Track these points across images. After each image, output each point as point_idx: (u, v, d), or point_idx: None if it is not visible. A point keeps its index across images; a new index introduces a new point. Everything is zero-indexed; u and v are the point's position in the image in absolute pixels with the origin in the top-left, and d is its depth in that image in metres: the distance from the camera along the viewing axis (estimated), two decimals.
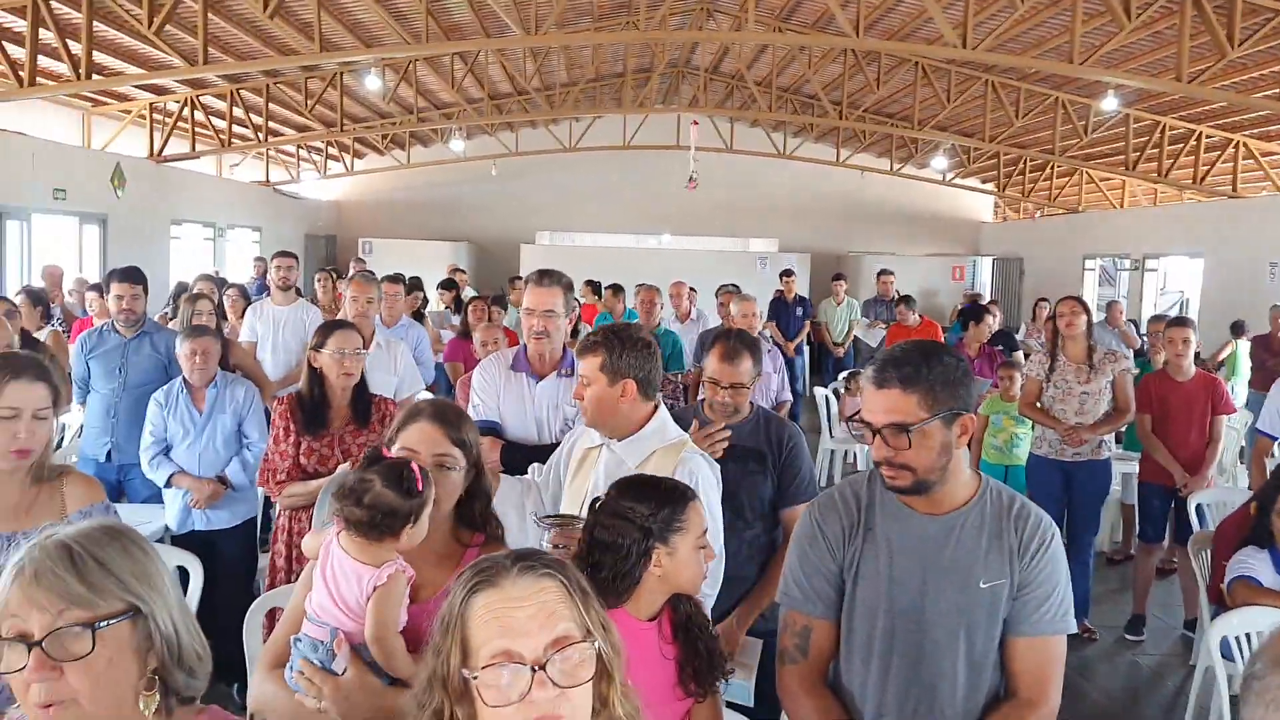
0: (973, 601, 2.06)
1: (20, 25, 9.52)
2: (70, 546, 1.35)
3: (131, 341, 5.12)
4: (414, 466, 2.00)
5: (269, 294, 7.34)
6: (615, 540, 2.04)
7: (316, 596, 2.04)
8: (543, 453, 3.53)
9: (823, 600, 2.17)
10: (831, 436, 8.65)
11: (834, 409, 8.78)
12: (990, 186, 20.39)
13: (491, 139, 20.06)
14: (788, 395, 6.26)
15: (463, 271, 13.93)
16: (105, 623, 1.33)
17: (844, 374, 9.50)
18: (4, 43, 9.53)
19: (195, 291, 6.50)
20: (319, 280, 9.49)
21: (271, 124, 15.24)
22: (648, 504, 2.07)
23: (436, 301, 11.67)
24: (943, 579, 2.07)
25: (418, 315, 8.62)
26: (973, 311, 7.77)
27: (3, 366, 2.35)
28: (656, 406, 2.78)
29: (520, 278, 12.26)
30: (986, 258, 20.54)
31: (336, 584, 1.99)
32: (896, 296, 10.98)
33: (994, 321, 7.74)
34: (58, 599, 1.31)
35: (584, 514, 2.25)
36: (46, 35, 9.49)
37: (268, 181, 18.80)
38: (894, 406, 2.02)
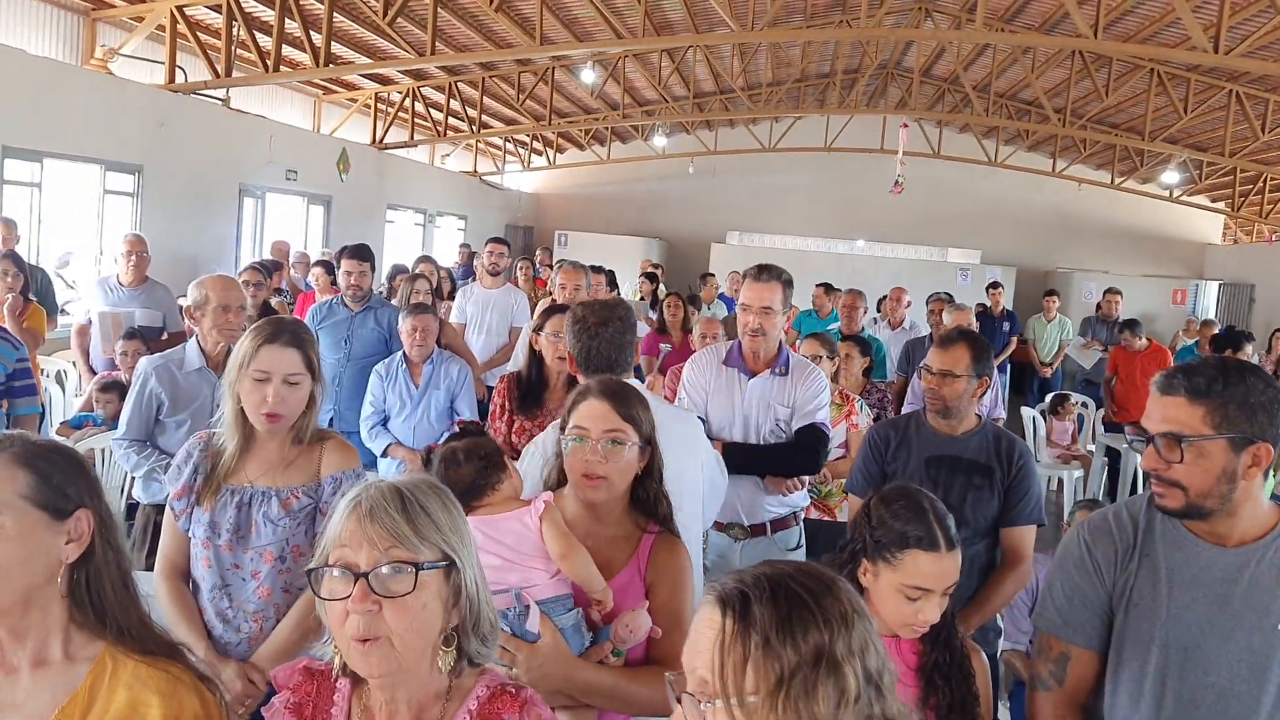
0: (1269, 646, 1.84)
1: (268, 15, 10.21)
2: (402, 491, 1.41)
3: (358, 315, 5.38)
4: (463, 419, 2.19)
5: (474, 279, 7.58)
6: (851, 529, 2.14)
7: None
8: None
9: (1085, 628, 2.01)
10: (1037, 460, 8.15)
11: (1040, 431, 8.30)
12: (1221, 205, 18.81)
13: (689, 137, 20.13)
14: (1001, 412, 5.94)
15: (658, 266, 14.02)
16: (427, 566, 1.38)
17: (1051, 395, 8.98)
18: (254, 31, 10.23)
19: (416, 272, 6.78)
20: (520, 268, 9.78)
21: (484, 116, 15.83)
22: (887, 517, 2.05)
23: (632, 293, 11.80)
24: (1231, 619, 1.86)
25: None
26: (1229, 338, 7.08)
27: (258, 331, 2.44)
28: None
29: (712, 274, 12.22)
30: (1211, 282, 18.98)
31: (500, 547, 2.02)
32: (1119, 318, 10.27)
33: (1250, 350, 7.03)
34: (388, 536, 1.37)
35: None
36: (290, 25, 10.14)
37: (475, 172, 19.54)
38: (1174, 415, 1.85)
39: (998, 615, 3.22)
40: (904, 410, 5.44)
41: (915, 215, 20.15)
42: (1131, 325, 8.48)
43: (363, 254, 5.48)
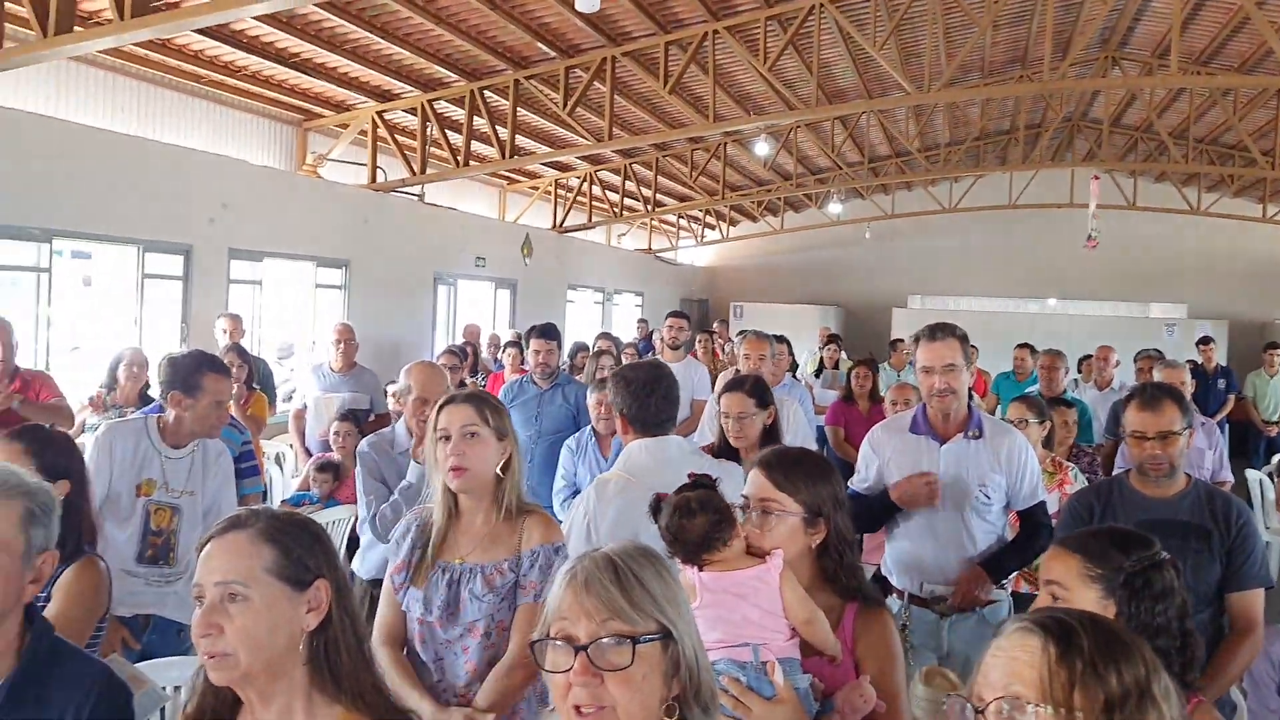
0: None
1: (458, 114, 10.88)
2: (616, 561, 1.42)
3: (546, 392, 5.55)
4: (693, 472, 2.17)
5: (654, 353, 7.69)
6: None
7: (709, 636, 1.98)
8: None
9: None
10: (1267, 527, 7.46)
11: (1269, 495, 7.60)
12: None
13: (864, 201, 19.94)
14: (1227, 475, 5.48)
15: (836, 336, 13.84)
16: (644, 639, 1.37)
17: (1279, 456, 8.25)
18: (445, 130, 10.92)
19: (598, 349, 6.96)
20: (699, 341, 9.85)
21: (658, 195, 16.22)
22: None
23: (811, 362, 11.67)
24: None
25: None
26: None
27: (441, 399, 2.60)
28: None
29: (901, 340, 11.93)
30: None
31: (740, 603, 1.99)
32: None
33: None
34: (604, 608, 1.38)
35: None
36: (478, 121, 10.77)
37: (650, 249, 19.99)
38: None
39: (1232, 689, 2.95)
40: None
41: (1111, 269, 19.14)
42: None
43: (550, 333, 5.67)
